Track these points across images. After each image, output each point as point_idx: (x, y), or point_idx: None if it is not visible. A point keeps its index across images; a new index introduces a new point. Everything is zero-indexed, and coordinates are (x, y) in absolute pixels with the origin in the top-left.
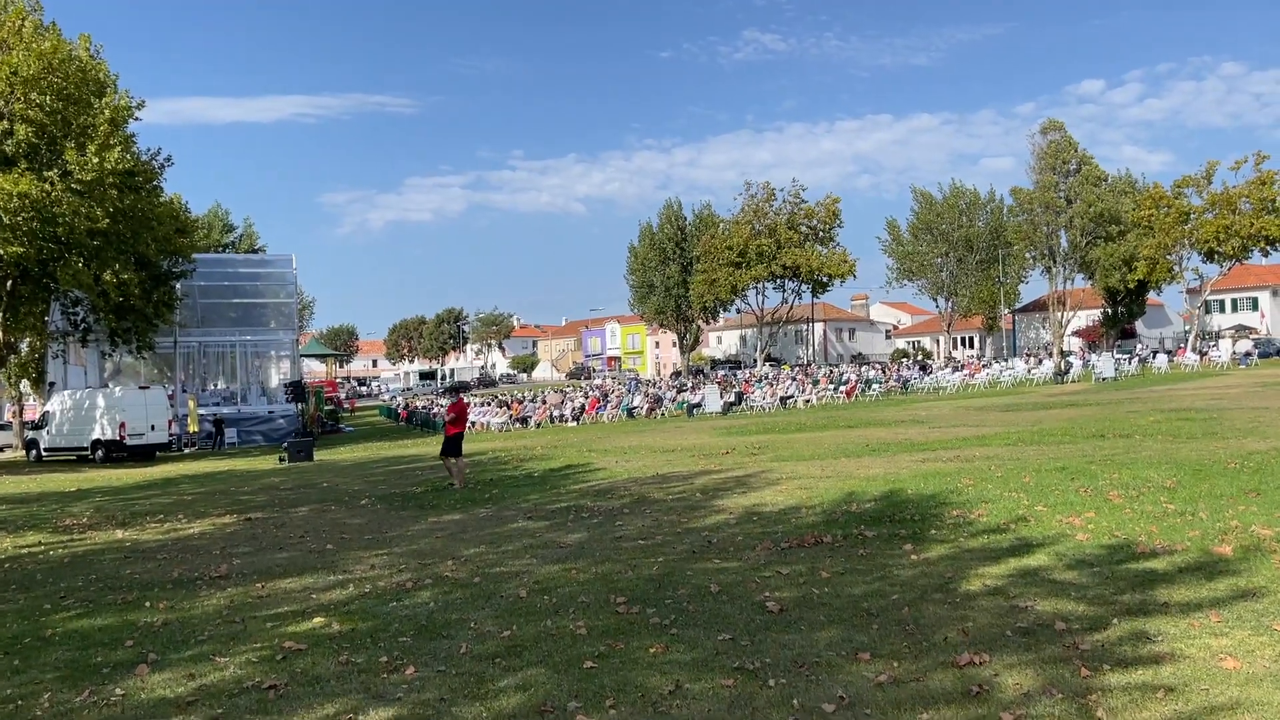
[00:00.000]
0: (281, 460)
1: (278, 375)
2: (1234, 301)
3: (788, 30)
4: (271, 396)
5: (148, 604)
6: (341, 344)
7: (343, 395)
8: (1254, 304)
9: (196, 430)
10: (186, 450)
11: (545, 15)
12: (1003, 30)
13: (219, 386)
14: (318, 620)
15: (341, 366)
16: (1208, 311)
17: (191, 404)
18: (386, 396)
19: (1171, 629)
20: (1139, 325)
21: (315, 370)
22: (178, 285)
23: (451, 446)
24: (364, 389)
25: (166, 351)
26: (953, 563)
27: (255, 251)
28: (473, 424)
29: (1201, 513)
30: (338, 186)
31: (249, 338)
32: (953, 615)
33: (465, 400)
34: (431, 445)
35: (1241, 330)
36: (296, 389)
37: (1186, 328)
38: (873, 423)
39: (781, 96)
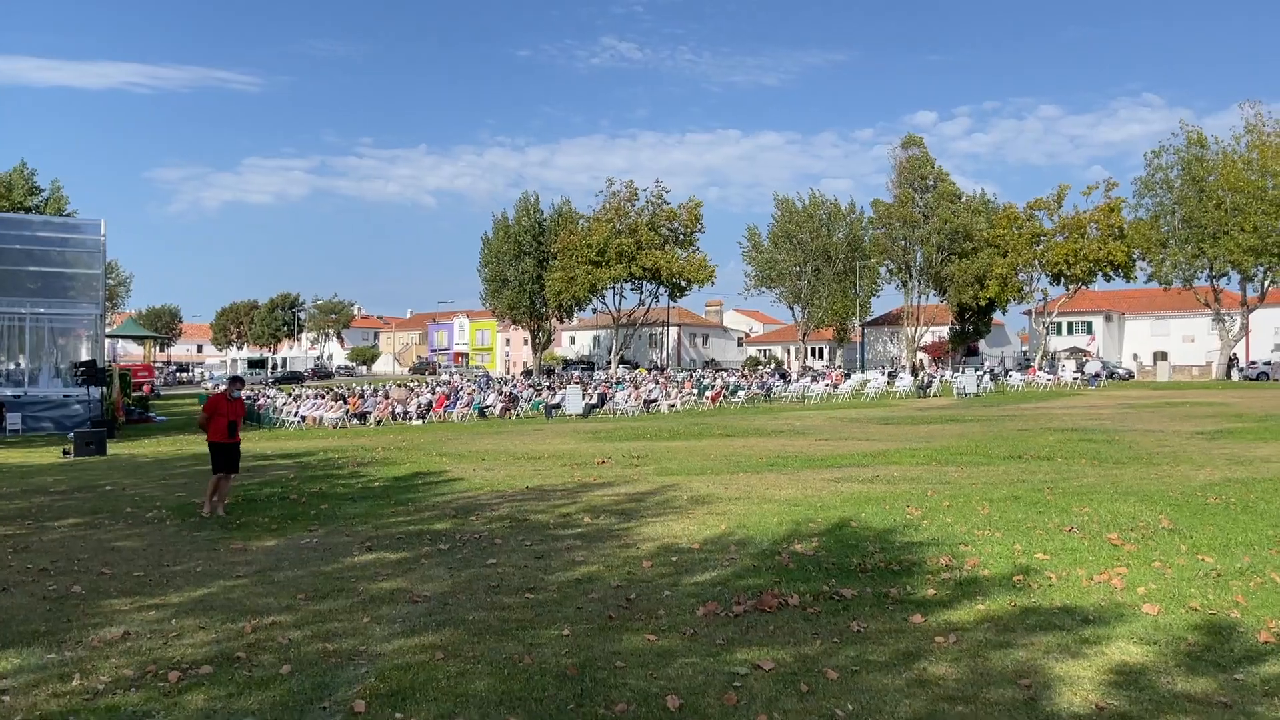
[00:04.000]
0: (65, 454)
1: (88, 355)
2: (1070, 325)
3: (644, 40)
4: (66, 378)
5: None
6: (163, 326)
7: (159, 380)
8: (1088, 328)
9: None
10: None
11: (400, 2)
12: (846, 58)
13: (17, 366)
14: None
15: (162, 350)
16: (1045, 333)
17: None
18: (210, 384)
19: None
20: (981, 344)
21: (133, 353)
22: None
23: (229, 458)
24: (185, 374)
25: None
26: (1002, 649)
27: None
28: (303, 419)
29: (1273, 574)
30: (171, 162)
31: (42, 310)
32: None
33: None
34: (252, 440)
35: (1076, 352)
36: (90, 370)
37: (1024, 348)
38: (749, 432)
39: (635, 104)
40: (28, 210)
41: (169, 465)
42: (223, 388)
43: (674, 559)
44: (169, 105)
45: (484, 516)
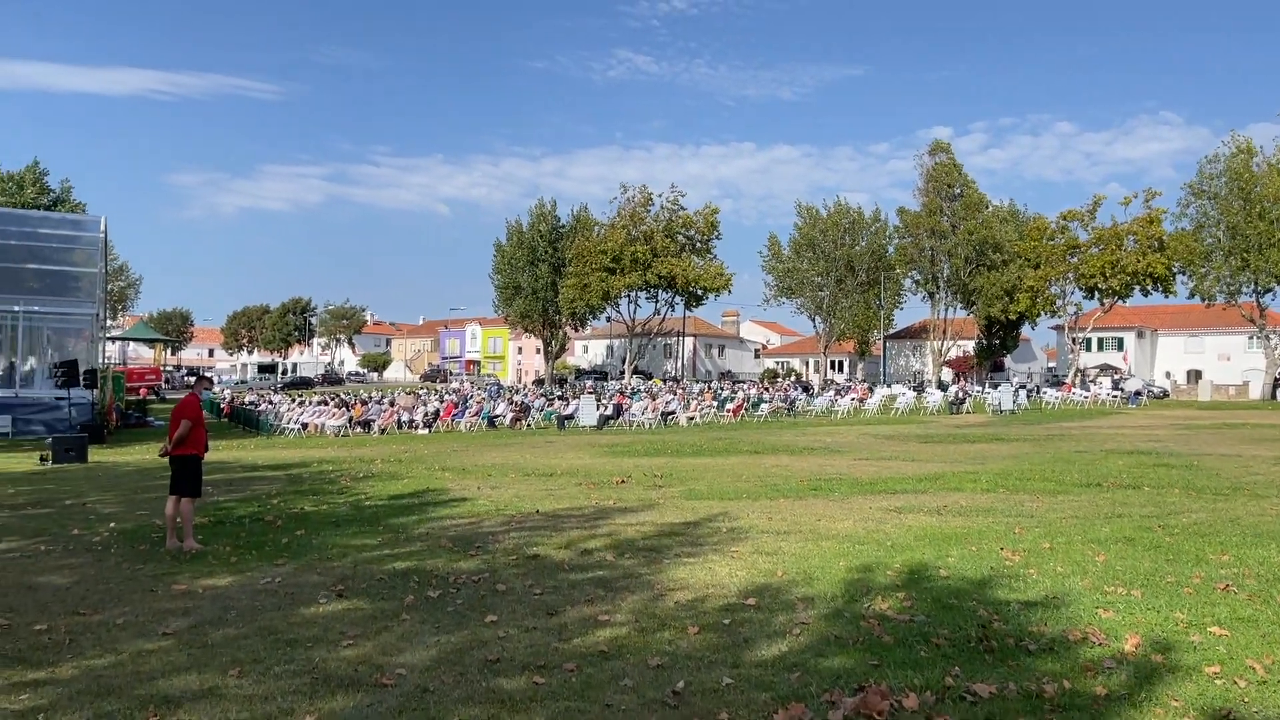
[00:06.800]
0: (43, 460)
1: (85, 356)
2: (1100, 341)
3: (659, 54)
4: (58, 380)
5: None
6: (174, 329)
7: (164, 384)
8: (1119, 344)
9: None
10: None
11: (417, 13)
12: (862, 73)
13: (11, 366)
14: None
15: (173, 353)
16: (1077, 349)
17: None
18: (218, 388)
19: None
20: (1007, 359)
21: (144, 356)
22: None
23: (188, 477)
24: (192, 379)
25: None
26: None
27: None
28: (304, 426)
29: None
30: (188, 168)
31: (36, 308)
32: None
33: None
34: (247, 449)
35: (1107, 369)
36: (70, 371)
37: (1051, 364)
38: (778, 448)
39: (650, 116)
40: (36, 209)
41: (149, 475)
42: (190, 390)
43: (726, 621)
44: (189, 112)
45: (486, 550)
